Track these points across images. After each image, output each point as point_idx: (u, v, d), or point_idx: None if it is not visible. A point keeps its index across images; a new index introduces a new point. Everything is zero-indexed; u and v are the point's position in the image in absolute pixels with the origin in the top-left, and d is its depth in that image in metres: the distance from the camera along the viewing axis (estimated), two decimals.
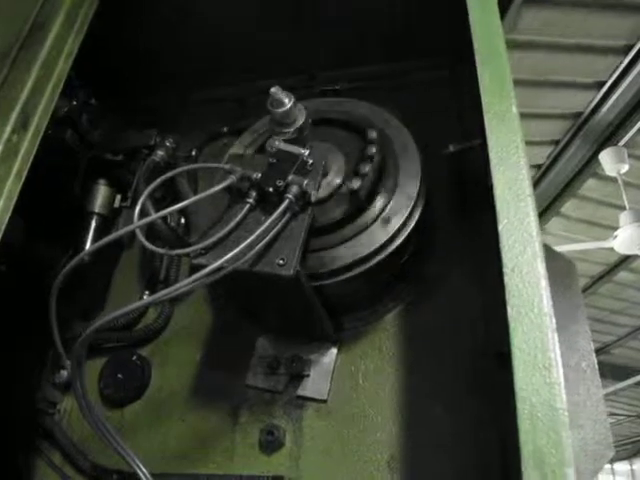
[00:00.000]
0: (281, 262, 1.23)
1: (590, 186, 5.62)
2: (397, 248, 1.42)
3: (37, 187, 1.41)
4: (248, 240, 1.18)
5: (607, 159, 5.04)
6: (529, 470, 0.76)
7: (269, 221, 1.22)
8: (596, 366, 2.35)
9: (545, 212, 5.94)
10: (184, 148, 1.92)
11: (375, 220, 1.43)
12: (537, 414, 0.79)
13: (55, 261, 1.73)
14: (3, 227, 1.28)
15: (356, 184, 1.38)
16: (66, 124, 1.72)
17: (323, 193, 1.40)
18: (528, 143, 5.23)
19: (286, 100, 1.31)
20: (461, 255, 1.61)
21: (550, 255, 2.81)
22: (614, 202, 5.66)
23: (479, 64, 1.13)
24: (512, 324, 0.84)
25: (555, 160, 5.37)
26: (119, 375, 1.69)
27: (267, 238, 1.22)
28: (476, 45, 1.16)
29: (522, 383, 0.81)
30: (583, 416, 2.25)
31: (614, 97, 4.53)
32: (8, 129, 1.30)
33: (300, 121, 1.34)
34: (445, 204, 1.68)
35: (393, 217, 1.42)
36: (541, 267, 0.89)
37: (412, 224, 1.44)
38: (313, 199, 1.29)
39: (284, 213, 1.25)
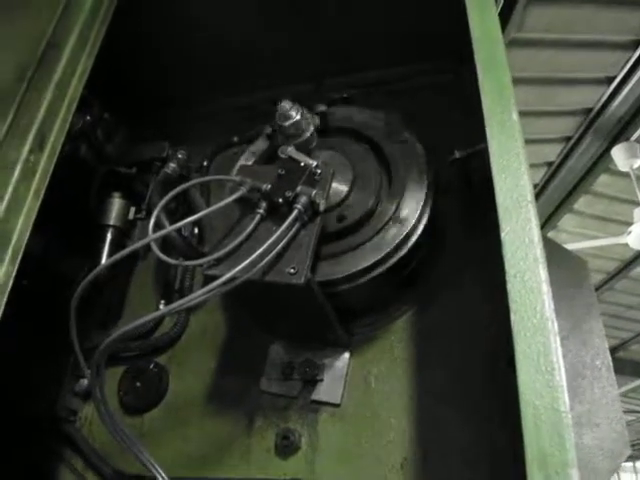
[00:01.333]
0: (292, 271, 1.26)
1: (603, 182, 5.60)
2: (407, 253, 1.45)
3: (54, 203, 1.46)
4: (259, 250, 1.22)
5: (619, 154, 5.02)
6: (534, 471, 0.78)
7: (279, 231, 1.25)
8: (611, 364, 2.36)
9: (558, 209, 5.93)
10: (195, 159, 1.96)
11: (385, 225, 1.46)
12: (540, 417, 0.82)
13: (74, 274, 1.78)
14: (24, 244, 1.32)
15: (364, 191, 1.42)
16: (81, 140, 1.77)
17: (333, 201, 1.44)
18: (539, 141, 5.22)
19: (294, 113, 1.34)
20: (470, 259, 1.64)
21: (561, 254, 2.84)
22: (628, 197, 5.63)
23: (480, 72, 1.15)
24: (515, 329, 0.87)
25: (567, 157, 5.36)
26: (138, 383, 1.73)
27: (277, 248, 1.26)
28: (476, 53, 1.18)
29: (525, 386, 0.84)
30: (599, 415, 2.26)
31: (624, 92, 4.52)
32: (26, 149, 1.35)
33: (308, 132, 1.38)
34: (453, 209, 1.70)
35: (402, 224, 1.45)
36: (543, 272, 0.92)
37: (421, 228, 1.47)
38: (322, 208, 1.33)
39: (294, 223, 1.29)
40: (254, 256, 1.21)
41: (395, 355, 1.60)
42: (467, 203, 1.69)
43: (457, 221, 1.69)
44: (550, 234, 6.23)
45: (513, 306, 0.89)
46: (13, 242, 1.31)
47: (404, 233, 1.43)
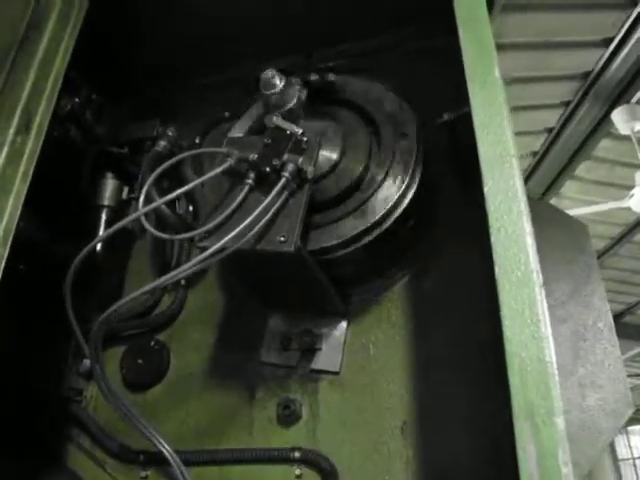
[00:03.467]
0: (282, 239, 1.27)
1: (604, 146, 5.55)
2: (397, 219, 1.44)
3: (47, 185, 1.47)
4: (248, 220, 1.22)
5: (620, 118, 4.97)
6: (520, 421, 0.79)
7: (267, 200, 1.25)
8: (612, 325, 2.36)
9: (559, 176, 5.89)
10: (187, 136, 1.96)
11: (375, 192, 1.45)
12: (526, 367, 0.82)
13: (70, 256, 1.79)
14: (14, 226, 1.33)
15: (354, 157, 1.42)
16: (70, 121, 1.77)
17: (322, 169, 1.43)
18: (538, 107, 5.17)
19: (277, 81, 1.34)
20: (463, 223, 1.63)
21: (562, 218, 2.83)
22: (630, 161, 5.59)
23: (460, 31, 1.14)
24: (500, 282, 0.87)
25: (567, 122, 5.31)
26: (139, 360, 1.75)
27: (267, 217, 1.26)
28: (457, 11, 1.17)
29: (511, 338, 0.84)
30: (602, 376, 2.27)
31: (623, 53, 4.46)
32: (12, 131, 1.35)
33: (293, 101, 1.37)
34: (445, 173, 1.69)
35: (392, 187, 1.45)
36: (527, 225, 0.92)
37: (411, 193, 1.46)
38: (310, 176, 1.32)
39: (282, 191, 1.29)
40: (243, 225, 1.22)
41: (392, 322, 1.61)
42: (458, 167, 1.68)
43: (449, 185, 1.69)
44: (552, 201, 6.19)
45: (497, 259, 0.89)
46: (3, 224, 1.32)
47: (394, 199, 1.43)
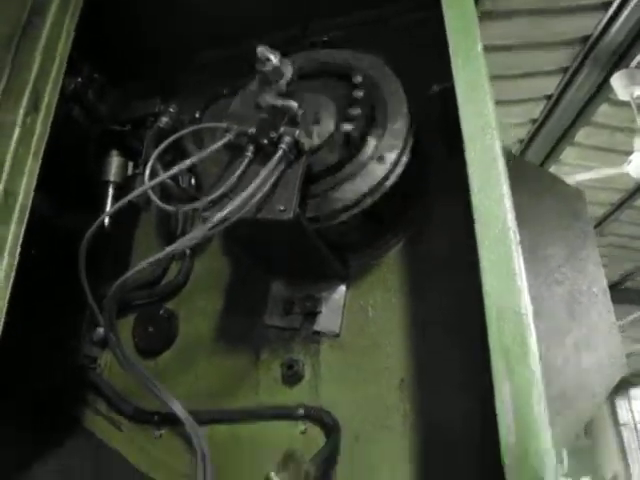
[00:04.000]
0: (281, 208, 1.34)
1: (603, 112, 5.57)
2: (393, 184, 1.51)
3: (55, 163, 1.54)
4: (248, 190, 1.30)
5: (619, 83, 4.97)
6: (498, 364, 0.87)
7: (266, 171, 1.33)
8: (607, 291, 2.45)
9: (559, 142, 5.93)
10: (188, 111, 2.02)
11: (370, 159, 1.52)
12: (503, 318, 0.90)
13: (81, 230, 1.87)
14: (29, 203, 1.41)
15: (348, 127, 1.48)
16: (74, 101, 1.83)
17: (318, 140, 1.50)
18: (537, 74, 5.18)
19: (272, 57, 1.40)
20: (453, 190, 1.70)
21: (557, 185, 2.89)
22: (629, 126, 5.61)
23: (444, 5, 1.20)
24: (479, 238, 0.95)
25: (565, 89, 5.32)
26: (150, 328, 1.84)
27: (266, 187, 1.33)
28: None
29: (490, 292, 0.92)
30: (597, 339, 2.36)
31: (623, 16, 4.46)
32: (21, 112, 1.42)
33: (288, 76, 1.43)
34: (436, 143, 1.75)
35: (387, 155, 1.51)
36: (506, 188, 0.99)
37: (405, 160, 1.53)
38: (306, 147, 1.39)
39: (279, 162, 1.36)
40: (244, 195, 1.29)
41: (389, 285, 1.68)
42: (448, 136, 1.74)
43: (440, 153, 1.75)
44: (552, 168, 6.24)
45: (477, 217, 0.96)
46: (19, 202, 1.40)
47: (392, 160, 1.50)
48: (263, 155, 1.40)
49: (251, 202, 1.31)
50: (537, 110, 5.63)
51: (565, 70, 5.17)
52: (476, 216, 0.97)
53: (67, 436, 1.73)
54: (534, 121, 5.77)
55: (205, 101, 2.07)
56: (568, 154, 6.17)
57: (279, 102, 1.40)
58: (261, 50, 1.38)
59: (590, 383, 2.26)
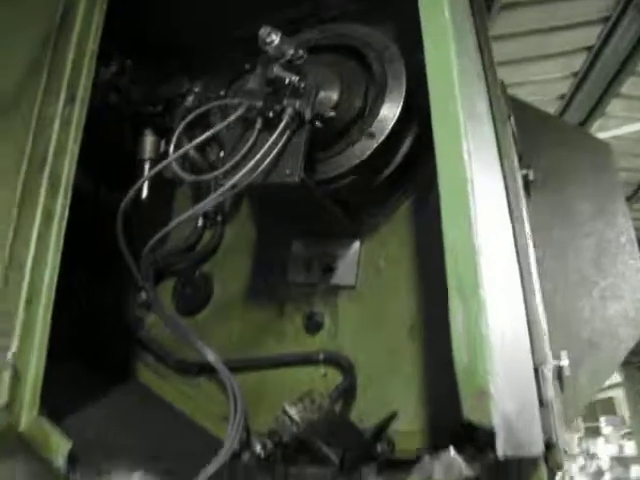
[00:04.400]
0: (288, 172, 1.50)
1: None
2: (401, 135, 1.65)
3: (96, 146, 1.73)
4: (255, 158, 1.46)
5: None
6: (453, 295, 1.01)
7: (271, 140, 1.48)
8: (635, 240, 2.51)
9: (604, 95, 5.79)
10: (214, 89, 2.18)
11: (377, 116, 1.66)
12: (457, 248, 1.03)
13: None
14: (71, 182, 1.61)
15: (351, 96, 1.63)
16: (109, 88, 2.02)
17: (321, 109, 1.64)
18: (576, 25, 5.08)
19: (274, 37, 1.54)
20: None
21: (586, 140, 2.94)
22: None
23: None
24: (441, 183, 1.08)
25: (607, 39, 5.20)
26: (188, 290, 2.05)
27: (272, 154, 1.49)
28: None
29: (447, 232, 1.05)
30: (623, 287, 2.44)
31: None
32: (60, 104, 1.61)
33: (289, 53, 1.57)
34: None
35: (391, 109, 1.65)
36: (462, 117, 1.11)
37: (406, 121, 1.65)
38: (308, 117, 1.53)
39: (284, 132, 1.51)
40: (251, 163, 1.46)
41: (400, 240, 1.82)
42: None
43: None
44: (598, 122, 6.12)
45: (438, 147, 1.10)
46: (63, 182, 1.59)
47: (396, 116, 1.63)
48: (270, 127, 1.55)
49: (259, 169, 1.48)
50: (578, 63, 5.52)
51: (606, 20, 5.05)
52: (436, 144, 1.10)
53: (120, 386, 1.96)
54: (575, 74, 5.66)
55: (229, 78, 2.23)
56: (614, 107, 6.03)
57: (281, 76, 1.54)
58: (263, 31, 1.52)
59: (616, 331, 2.34)
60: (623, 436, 13.83)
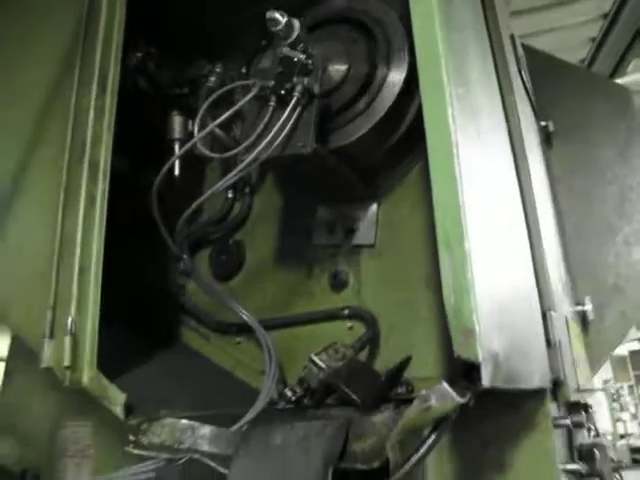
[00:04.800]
0: (301, 144, 1.63)
1: None
2: (403, 110, 1.76)
3: (129, 129, 1.89)
4: (271, 134, 1.60)
5: None
6: (442, 248, 1.14)
7: (284, 116, 1.62)
8: None
9: (637, 36, 5.62)
10: (235, 67, 2.31)
11: (380, 90, 1.78)
12: (444, 204, 1.16)
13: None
14: (109, 166, 1.77)
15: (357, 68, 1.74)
16: (138, 73, 2.17)
17: (330, 84, 1.76)
18: None
19: (280, 18, 1.65)
20: None
21: (606, 86, 2.97)
22: None
23: None
24: (427, 129, 1.20)
25: None
26: (222, 257, 2.22)
27: (286, 129, 1.62)
28: None
29: (434, 180, 1.18)
30: None
31: None
32: (93, 95, 1.77)
33: (295, 33, 1.68)
34: None
35: (397, 75, 1.76)
36: (447, 83, 1.23)
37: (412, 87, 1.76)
38: (317, 91, 1.66)
39: (295, 107, 1.64)
40: (269, 137, 1.60)
41: (413, 201, 1.94)
42: None
43: None
44: (632, 64, 5.94)
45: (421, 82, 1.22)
46: (101, 168, 1.76)
47: (401, 82, 1.75)
48: (283, 103, 1.68)
49: (275, 143, 1.61)
50: (607, 4, 5.37)
51: None
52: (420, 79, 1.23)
53: (166, 347, 2.16)
54: (605, 16, 5.52)
55: (248, 57, 2.35)
56: None
57: (289, 56, 1.66)
58: (270, 14, 1.64)
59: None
60: None
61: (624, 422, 14.50)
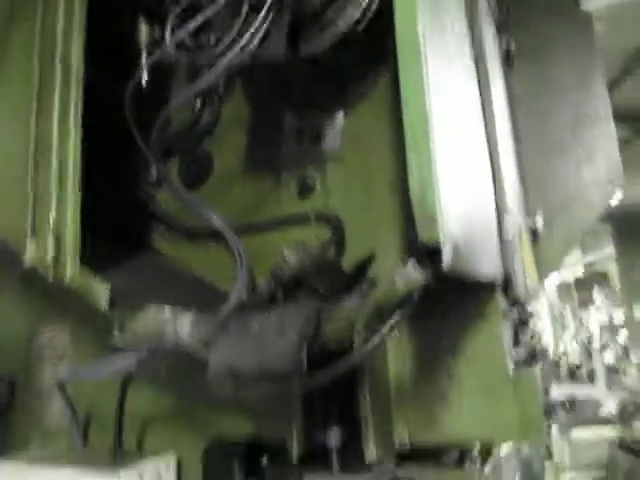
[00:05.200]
0: (273, 50, 1.68)
1: None
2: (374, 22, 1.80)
3: (100, 39, 1.89)
4: (244, 38, 1.64)
5: None
6: (410, 146, 1.24)
7: (258, 21, 1.65)
8: (609, 107, 2.70)
9: None
10: None
11: (347, 5, 1.81)
12: (412, 103, 1.25)
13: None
14: (82, 71, 1.78)
15: None
16: None
17: None
18: None
19: None
20: None
21: (568, 9, 3.03)
22: None
23: None
24: (397, 37, 1.28)
25: None
26: (191, 166, 2.28)
27: (258, 35, 1.67)
28: None
29: (403, 86, 1.26)
30: (597, 154, 2.66)
31: None
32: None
33: None
34: None
35: None
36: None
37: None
38: None
39: (267, 15, 1.67)
40: (242, 42, 1.64)
41: (379, 107, 2.00)
42: None
43: None
44: None
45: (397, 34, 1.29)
46: (74, 72, 1.77)
47: (362, 7, 1.78)
48: (256, 10, 1.71)
49: (248, 49, 1.66)
50: None
51: None
52: (397, 40, 1.30)
53: (139, 254, 2.24)
54: None
55: None
56: None
57: None
58: None
59: (589, 194, 2.59)
60: (614, 306, 14.61)
61: (564, 342, 15.47)
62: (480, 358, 1.70)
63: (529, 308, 2.46)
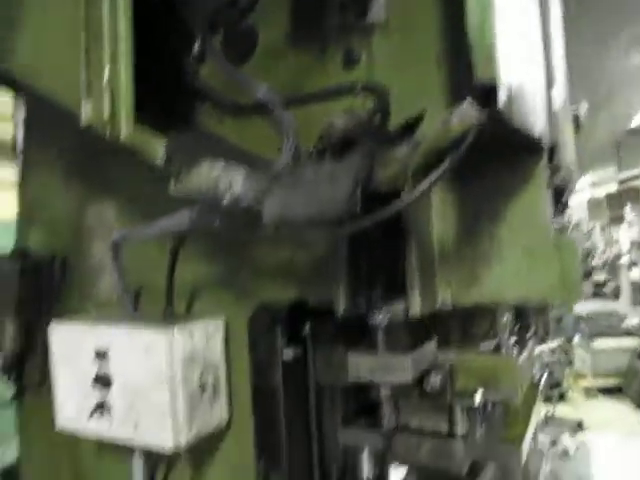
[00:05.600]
0: None
1: None
2: None
3: None
4: None
5: None
6: None
7: None
8: None
9: None
10: None
11: None
12: None
13: None
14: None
15: None
16: None
17: None
18: None
19: None
20: None
21: None
22: None
23: None
24: None
25: None
26: (235, 40, 2.28)
27: None
28: None
29: None
30: None
31: None
32: None
33: None
34: None
35: None
36: None
37: None
38: None
39: None
40: None
41: None
42: None
43: None
44: None
45: None
46: None
47: None
48: None
49: None
50: None
51: None
52: None
53: (185, 129, 2.28)
54: None
55: None
56: None
57: None
58: None
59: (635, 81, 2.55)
60: None
61: (590, 260, 15.47)
62: (522, 220, 1.73)
63: (568, 189, 2.48)
